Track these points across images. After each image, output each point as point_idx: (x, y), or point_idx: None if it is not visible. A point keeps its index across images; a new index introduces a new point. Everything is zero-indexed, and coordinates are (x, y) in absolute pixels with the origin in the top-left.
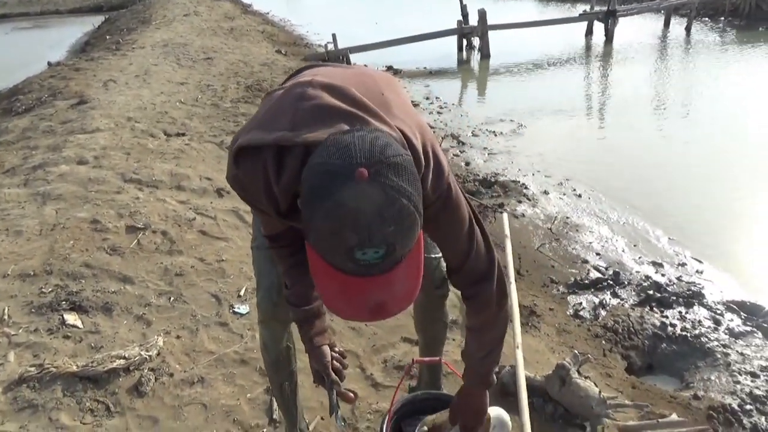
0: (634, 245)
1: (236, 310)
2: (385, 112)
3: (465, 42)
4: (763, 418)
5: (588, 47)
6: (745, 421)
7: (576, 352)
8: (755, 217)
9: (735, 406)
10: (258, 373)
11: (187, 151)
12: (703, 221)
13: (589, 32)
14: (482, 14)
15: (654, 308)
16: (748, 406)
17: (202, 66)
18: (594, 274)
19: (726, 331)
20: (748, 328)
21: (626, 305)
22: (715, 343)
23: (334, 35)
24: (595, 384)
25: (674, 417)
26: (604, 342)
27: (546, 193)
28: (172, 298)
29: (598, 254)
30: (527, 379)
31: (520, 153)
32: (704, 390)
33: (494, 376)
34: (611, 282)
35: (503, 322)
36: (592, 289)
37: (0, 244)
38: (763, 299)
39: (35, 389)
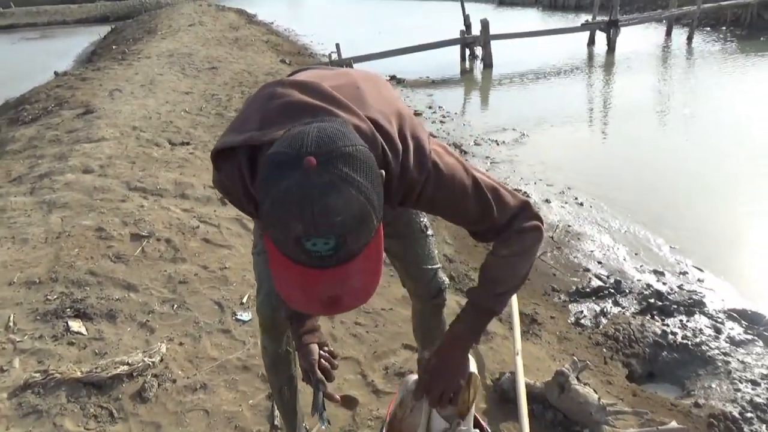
0: (636, 254)
1: (239, 317)
2: (356, 103)
3: (468, 51)
4: (764, 426)
5: (590, 57)
6: (745, 429)
7: (575, 358)
8: (757, 226)
9: (736, 413)
10: (260, 379)
11: (192, 160)
12: (705, 230)
13: (591, 42)
14: (485, 24)
15: (655, 316)
16: (749, 414)
17: (206, 76)
18: (595, 283)
19: (727, 339)
20: (749, 337)
21: (627, 313)
22: (716, 351)
23: (337, 45)
24: (594, 391)
25: (674, 424)
26: (605, 350)
27: (548, 201)
28: (175, 306)
29: (599, 263)
30: (527, 385)
31: (522, 162)
32: (705, 398)
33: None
34: (612, 290)
35: (526, 258)
36: (594, 298)
37: (6, 251)
38: (765, 308)
39: (40, 395)
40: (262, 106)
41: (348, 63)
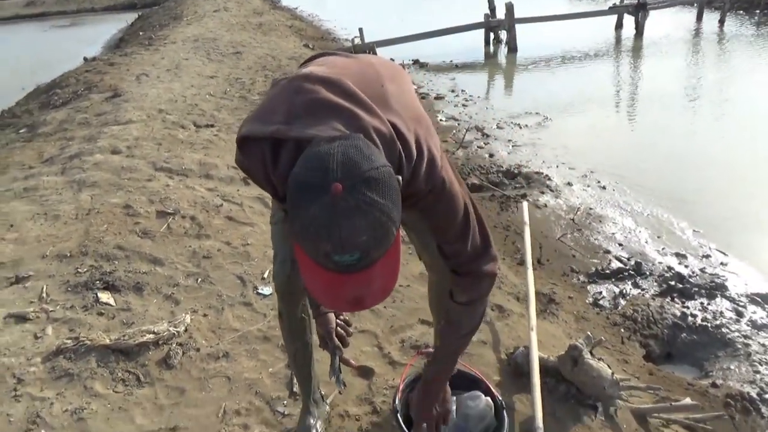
0: (658, 237)
1: (260, 291)
2: (380, 105)
3: (492, 35)
4: None
5: (618, 41)
6: (763, 409)
7: (589, 333)
8: None
9: (754, 394)
10: (279, 349)
11: (216, 142)
12: (730, 214)
13: (618, 25)
14: (509, 7)
15: (675, 299)
16: (767, 395)
17: (231, 60)
18: (615, 265)
19: (748, 322)
20: None
21: (647, 295)
22: (737, 334)
23: (360, 29)
24: (608, 366)
25: (688, 401)
26: (622, 330)
27: (569, 184)
28: (199, 279)
29: (620, 245)
30: (541, 360)
31: (544, 145)
32: (723, 379)
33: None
34: (633, 272)
35: (483, 304)
36: (613, 279)
37: (39, 227)
38: None
39: (71, 360)
40: (288, 99)
41: (371, 48)
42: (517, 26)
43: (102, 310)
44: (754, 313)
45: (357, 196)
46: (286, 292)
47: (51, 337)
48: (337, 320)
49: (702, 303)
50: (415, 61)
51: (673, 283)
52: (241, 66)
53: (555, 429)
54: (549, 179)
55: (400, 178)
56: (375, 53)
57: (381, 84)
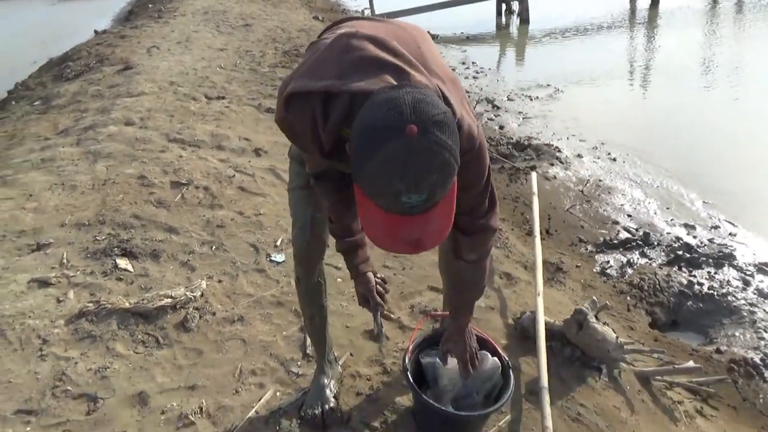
0: (667, 208)
1: (273, 258)
2: (423, 66)
3: (504, 7)
4: None
5: (632, 11)
6: (766, 374)
7: (594, 298)
8: None
9: (757, 360)
10: (293, 314)
11: (227, 114)
12: (740, 186)
13: None
14: None
15: (682, 268)
16: None
17: (240, 32)
18: (623, 235)
19: (755, 291)
20: None
21: (654, 265)
22: (743, 302)
23: (371, 0)
24: (612, 330)
25: (690, 363)
26: (629, 298)
27: (579, 156)
28: (213, 247)
29: (629, 216)
30: (546, 324)
31: (555, 117)
32: (727, 345)
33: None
34: (640, 242)
35: (489, 264)
36: (621, 249)
37: (57, 196)
38: None
39: (93, 322)
40: (338, 56)
41: (381, 19)
42: None
43: (121, 275)
44: (761, 282)
45: (429, 137)
46: (304, 257)
47: (73, 301)
48: (376, 278)
49: (709, 272)
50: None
51: (680, 252)
52: (251, 38)
53: (560, 390)
54: (559, 151)
55: None
56: None
57: (417, 46)
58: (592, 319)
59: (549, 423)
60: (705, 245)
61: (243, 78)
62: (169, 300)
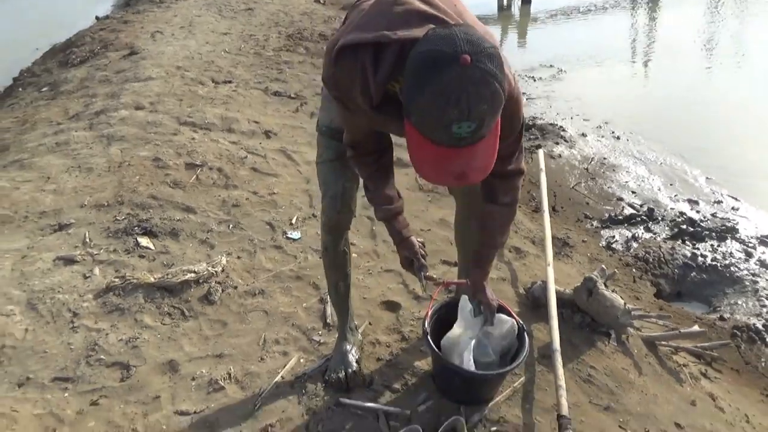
0: (671, 184)
1: (289, 235)
2: (462, 20)
3: None
4: None
5: None
6: None
7: (603, 266)
8: None
9: (759, 326)
10: (311, 287)
11: (235, 97)
12: (743, 162)
13: None
14: None
15: (686, 241)
16: None
17: (243, 17)
18: (628, 211)
19: (757, 262)
20: None
21: (658, 239)
22: (745, 272)
23: None
24: (620, 297)
25: (695, 328)
26: (634, 270)
27: (584, 135)
28: (231, 226)
29: (633, 192)
30: (557, 292)
31: (558, 98)
32: (730, 313)
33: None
34: (645, 218)
35: (516, 210)
36: (626, 224)
37: (75, 179)
38: None
39: (120, 296)
40: (386, 11)
41: None
42: None
43: (143, 253)
44: (764, 253)
45: (482, 67)
46: (334, 226)
47: (99, 277)
48: (417, 241)
49: (712, 245)
50: None
51: (684, 227)
52: (254, 22)
53: (571, 354)
54: (563, 130)
55: None
56: None
57: (454, 4)
58: (602, 287)
59: (562, 382)
60: (708, 219)
61: (248, 62)
62: (192, 275)
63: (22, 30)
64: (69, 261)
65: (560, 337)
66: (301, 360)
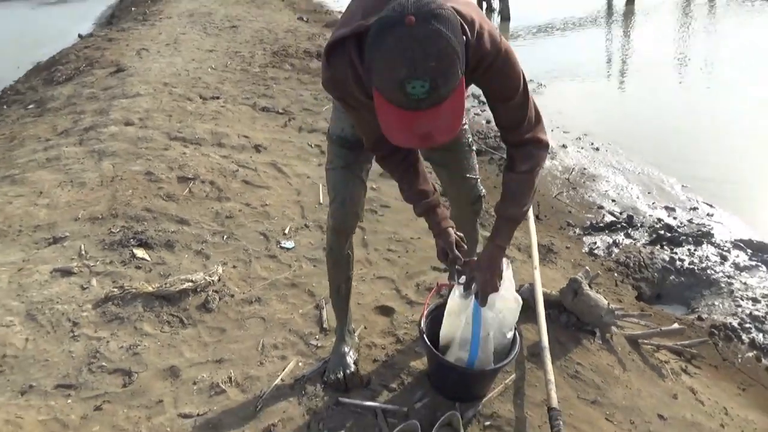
0: (648, 192)
1: (283, 245)
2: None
3: (485, 4)
4: (761, 335)
5: (610, 7)
6: (743, 336)
7: (587, 268)
8: (766, 165)
9: (735, 324)
10: (307, 294)
11: (224, 113)
12: (716, 170)
13: None
14: None
15: (665, 246)
16: (747, 325)
17: (228, 34)
18: (609, 218)
19: (732, 265)
20: (753, 263)
21: (638, 244)
22: (721, 274)
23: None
24: (604, 297)
25: (675, 326)
26: (616, 274)
27: (564, 147)
28: (225, 236)
29: (613, 201)
30: (544, 294)
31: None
32: (708, 313)
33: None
34: (625, 224)
35: (539, 175)
36: (607, 231)
37: (67, 193)
38: None
39: (119, 305)
40: (362, 3)
41: None
42: None
43: (139, 264)
44: (737, 256)
45: (427, 26)
46: (342, 229)
47: (97, 288)
48: (456, 234)
49: (689, 249)
50: None
51: (662, 232)
52: (239, 39)
53: (559, 351)
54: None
55: (466, 39)
56: None
57: None
58: (586, 287)
59: (551, 377)
60: (685, 225)
61: (235, 78)
62: (190, 284)
63: (3, 47)
64: (66, 273)
65: (548, 335)
66: (300, 363)
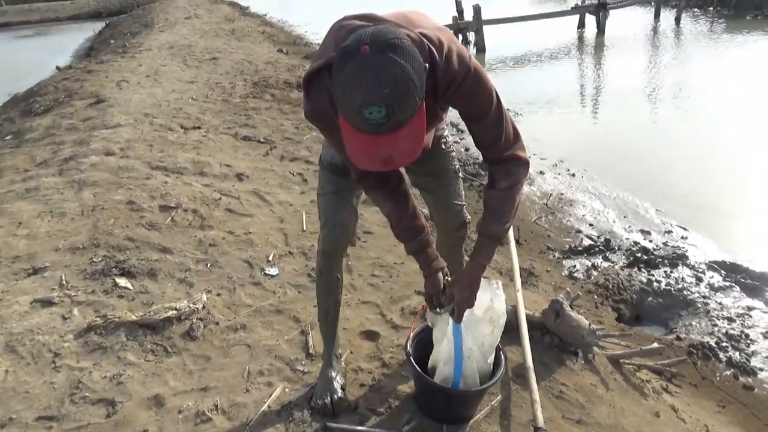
0: (624, 216)
1: (267, 272)
2: (406, 24)
3: (461, 37)
4: (737, 353)
5: (581, 39)
6: (721, 355)
7: (568, 289)
8: (736, 189)
9: (713, 343)
10: (292, 320)
11: (205, 142)
12: (688, 194)
13: (581, 25)
14: (477, 10)
15: (642, 268)
16: (724, 344)
17: (208, 66)
18: (587, 242)
19: (707, 286)
20: (727, 284)
21: (616, 267)
22: (697, 295)
23: None
24: (585, 318)
25: (655, 345)
26: (595, 297)
27: (542, 173)
28: (209, 264)
29: (590, 225)
30: (526, 316)
31: None
32: (686, 333)
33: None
34: (603, 248)
35: (520, 192)
36: (585, 255)
37: (47, 223)
38: (742, 259)
39: (102, 335)
40: (334, 35)
41: None
42: (485, 27)
43: (122, 293)
44: (712, 277)
45: (381, 56)
46: (332, 253)
47: (78, 318)
48: (444, 280)
49: (666, 271)
50: None
51: (639, 255)
52: (219, 71)
53: (543, 372)
54: None
55: (427, 65)
56: None
57: (404, 15)
58: (568, 308)
59: (537, 397)
60: (660, 248)
61: (216, 109)
62: (174, 312)
63: None
64: (47, 303)
65: (532, 356)
66: (286, 389)
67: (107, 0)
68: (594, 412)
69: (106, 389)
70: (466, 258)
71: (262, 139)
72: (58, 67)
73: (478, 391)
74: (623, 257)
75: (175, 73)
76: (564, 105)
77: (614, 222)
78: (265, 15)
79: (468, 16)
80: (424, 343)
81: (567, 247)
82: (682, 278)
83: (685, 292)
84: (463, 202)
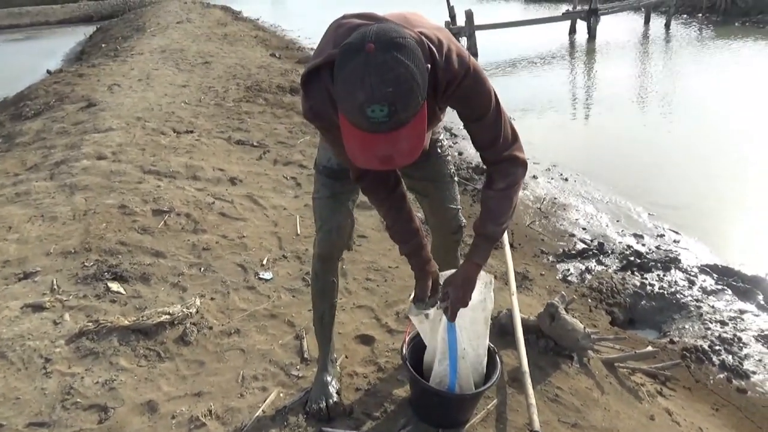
0: (617, 220)
1: (261, 276)
2: (405, 24)
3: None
4: (730, 357)
5: (572, 45)
6: (714, 358)
7: (563, 293)
8: (727, 192)
9: (706, 347)
10: (287, 324)
11: (198, 146)
12: (681, 198)
13: (572, 31)
14: (469, 15)
15: (635, 272)
16: (717, 347)
17: (200, 70)
18: (580, 246)
19: (699, 289)
20: (720, 287)
21: (610, 270)
22: (690, 298)
23: None
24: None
25: (649, 349)
26: (589, 300)
27: (535, 177)
28: (202, 268)
29: (584, 229)
30: (522, 319)
31: None
32: (679, 336)
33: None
34: (596, 252)
35: (517, 193)
36: (579, 258)
37: (38, 228)
38: (734, 262)
39: (94, 340)
40: (333, 34)
41: None
42: (477, 33)
43: (114, 298)
44: (704, 281)
45: (386, 54)
46: (328, 257)
47: (70, 323)
48: (432, 286)
49: (659, 275)
50: None
51: (632, 259)
52: (212, 75)
53: (538, 376)
54: None
55: (428, 66)
56: None
57: (403, 16)
58: (563, 312)
59: (533, 401)
60: (653, 251)
61: (209, 113)
62: (167, 316)
63: None
64: (38, 308)
65: (527, 360)
66: (281, 394)
67: (98, 4)
68: (589, 415)
69: (98, 395)
70: (461, 262)
71: (255, 143)
72: (48, 71)
73: (474, 394)
74: (617, 261)
75: (167, 77)
76: (557, 110)
77: (607, 226)
78: (258, 19)
79: (460, 21)
80: (419, 347)
81: (561, 250)
82: (675, 281)
83: (678, 296)
84: (459, 206)
